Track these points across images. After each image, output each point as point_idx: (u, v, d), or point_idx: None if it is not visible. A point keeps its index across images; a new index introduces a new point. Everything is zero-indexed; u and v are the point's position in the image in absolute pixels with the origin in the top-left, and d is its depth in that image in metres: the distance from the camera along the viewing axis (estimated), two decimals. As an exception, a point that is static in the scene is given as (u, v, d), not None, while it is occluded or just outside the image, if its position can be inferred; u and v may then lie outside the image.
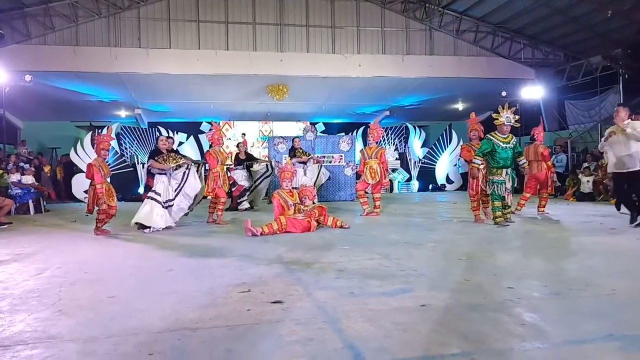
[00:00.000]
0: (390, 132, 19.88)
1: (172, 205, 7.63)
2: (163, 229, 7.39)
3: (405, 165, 18.74)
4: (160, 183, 7.56)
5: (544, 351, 2.37)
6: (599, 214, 8.94)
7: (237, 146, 11.53)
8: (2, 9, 13.56)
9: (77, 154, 15.55)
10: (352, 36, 16.32)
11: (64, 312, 3.14)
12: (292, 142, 10.97)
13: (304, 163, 11.07)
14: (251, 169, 11.00)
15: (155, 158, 7.62)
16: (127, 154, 17.81)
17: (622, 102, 13.56)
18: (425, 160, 18.83)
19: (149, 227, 7.33)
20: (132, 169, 16.80)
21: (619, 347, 2.39)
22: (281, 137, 14.55)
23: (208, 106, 18.50)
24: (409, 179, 18.69)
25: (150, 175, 7.95)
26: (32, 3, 13.93)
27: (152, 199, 7.44)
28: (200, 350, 2.46)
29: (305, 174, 10.81)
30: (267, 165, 11.32)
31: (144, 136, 18.63)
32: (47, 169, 16.55)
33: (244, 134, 18.26)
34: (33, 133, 19.04)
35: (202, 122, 20.35)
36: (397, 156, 18.71)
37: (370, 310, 3.01)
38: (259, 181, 11.10)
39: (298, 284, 3.77)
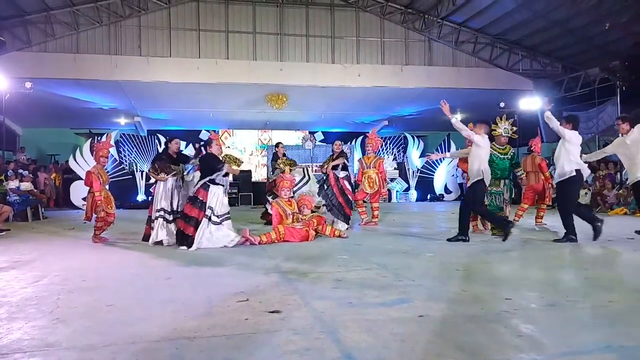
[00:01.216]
0: (388, 142, 19.94)
1: (230, 218, 6.66)
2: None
3: (403, 174, 18.78)
4: (215, 196, 6.44)
5: (541, 363, 2.38)
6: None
7: (277, 146, 10.71)
8: (3, 16, 13.63)
9: (76, 161, 15.57)
10: (352, 46, 16.42)
11: (61, 320, 3.14)
12: (333, 145, 9.51)
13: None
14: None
15: (224, 163, 6.54)
16: (126, 161, 17.83)
17: (619, 113, 13.66)
18: (424, 170, 18.87)
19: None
20: (130, 176, 16.80)
21: (615, 358, 2.40)
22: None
23: (207, 114, 18.55)
24: (407, 189, 18.72)
25: (204, 187, 6.50)
26: (33, 10, 14.00)
27: (209, 218, 6.39)
28: (199, 359, 2.46)
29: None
30: (302, 171, 10.42)
31: (143, 144, 18.66)
32: (53, 176, 16.57)
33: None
34: (32, 140, 19.07)
35: (201, 130, 20.41)
36: (396, 166, 18.76)
37: (368, 321, 3.02)
38: (297, 188, 10.04)
39: (296, 293, 3.77)
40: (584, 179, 6.91)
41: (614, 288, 3.87)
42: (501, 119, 7.44)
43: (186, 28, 15.50)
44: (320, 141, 20.50)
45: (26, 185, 11.92)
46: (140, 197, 16.43)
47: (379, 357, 2.43)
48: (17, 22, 14.04)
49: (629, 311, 3.22)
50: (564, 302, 3.42)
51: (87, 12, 14.72)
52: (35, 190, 12.68)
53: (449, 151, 18.48)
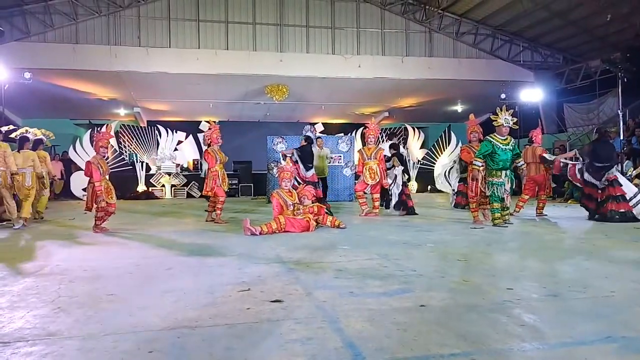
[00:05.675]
0: (389, 133, 19.86)
1: None
2: None
3: (404, 166, 18.69)
4: None
5: (542, 352, 2.37)
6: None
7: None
8: (2, 6, 13.56)
9: (76, 151, 15.54)
10: (352, 37, 16.35)
11: (63, 310, 3.14)
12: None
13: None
14: None
15: None
16: (126, 152, 17.79)
17: (620, 105, 13.62)
18: (424, 162, 18.84)
19: None
20: (131, 167, 16.77)
21: (617, 348, 2.40)
22: (280, 137, 14.55)
23: (207, 105, 18.50)
24: (408, 180, 18.66)
25: None
26: (32, 1, 13.94)
27: None
28: (200, 348, 2.46)
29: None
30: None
31: (143, 135, 18.62)
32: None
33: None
34: (32, 131, 18.99)
35: (200, 122, 20.35)
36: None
37: (370, 310, 3.02)
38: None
39: (297, 283, 3.77)
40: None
41: (616, 279, 3.87)
42: (502, 110, 7.41)
43: (185, 18, 15.42)
44: (320, 132, 20.42)
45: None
46: (141, 187, 16.41)
47: (380, 347, 2.42)
48: (16, 12, 13.97)
49: (630, 302, 3.22)
50: (566, 292, 3.42)
51: (86, 2, 14.64)
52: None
53: (449, 143, 18.44)
